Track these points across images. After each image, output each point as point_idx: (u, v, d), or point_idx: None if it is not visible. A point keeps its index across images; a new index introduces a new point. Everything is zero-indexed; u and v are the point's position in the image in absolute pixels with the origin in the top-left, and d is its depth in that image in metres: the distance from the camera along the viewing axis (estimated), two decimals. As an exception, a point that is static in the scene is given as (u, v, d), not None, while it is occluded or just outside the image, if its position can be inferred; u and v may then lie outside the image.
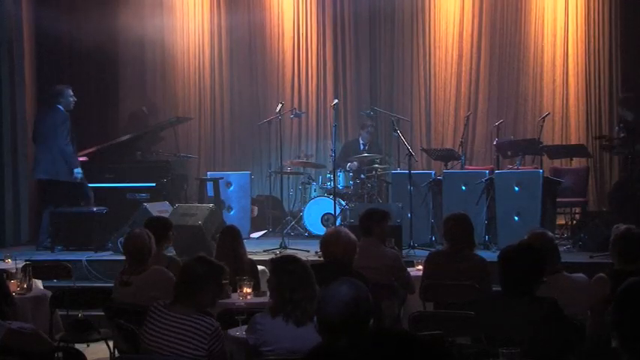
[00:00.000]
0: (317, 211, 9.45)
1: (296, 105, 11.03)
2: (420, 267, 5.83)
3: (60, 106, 8.49)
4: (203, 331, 3.53)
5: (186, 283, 3.68)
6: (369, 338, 2.63)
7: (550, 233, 4.75)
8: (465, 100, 11.01)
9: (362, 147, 10.03)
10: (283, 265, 3.85)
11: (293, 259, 3.92)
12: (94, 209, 8.22)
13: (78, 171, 8.43)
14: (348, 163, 9.79)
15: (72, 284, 6.35)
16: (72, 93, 8.62)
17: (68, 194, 8.57)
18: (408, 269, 5.92)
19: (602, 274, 4.46)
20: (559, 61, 10.72)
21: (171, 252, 7.17)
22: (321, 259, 5.18)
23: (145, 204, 8.23)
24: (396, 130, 8.82)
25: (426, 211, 8.72)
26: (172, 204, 8.47)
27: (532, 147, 8.84)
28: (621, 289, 2.64)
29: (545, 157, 9.43)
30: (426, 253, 6.10)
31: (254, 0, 11.29)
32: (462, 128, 10.02)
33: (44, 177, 8.54)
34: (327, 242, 4.91)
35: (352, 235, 4.95)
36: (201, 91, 11.43)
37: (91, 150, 9.22)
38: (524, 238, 4.49)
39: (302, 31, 11.30)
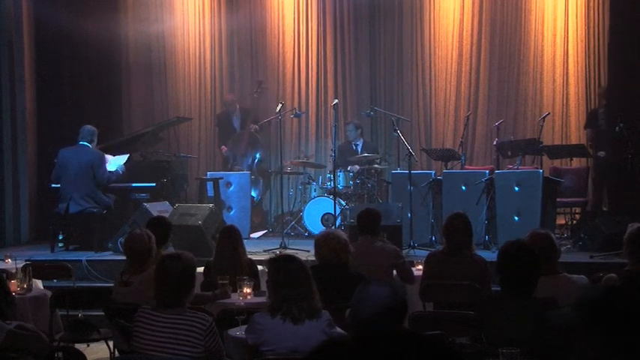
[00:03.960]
0: (317, 211, 9.45)
1: (296, 105, 11.03)
2: (420, 267, 5.84)
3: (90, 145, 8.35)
4: (199, 327, 3.54)
5: (170, 284, 3.66)
6: (379, 337, 2.64)
7: (551, 234, 4.74)
8: (465, 100, 11.01)
9: (354, 147, 10.05)
10: (279, 264, 3.89)
11: (289, 258, 3.96)
12: (94, 210, 8.21)
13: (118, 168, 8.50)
14: (349, 166, 9.80)
15: (72, 284, 6.36)
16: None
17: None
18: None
19: (612, 274, 4.44)
20: (559, 61, 10.72)
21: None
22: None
23: (145, 204, 8.23)
24: (396, 130, 8.82)
25: (426, 211, 8.72)
26: (172, 204, 8.47)
27: (532, 147, 8.83)
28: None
29: (545, 157, 9.42)
30: (426, 253, 6.11)
31: (254, 0, 11.29)
32: (462, 128, 10.02)
33: (75, 210, 8.25)
34: (317, 245, 4.99)
35: (343, 235, 4.99)
36: (201, 91, 11.43)
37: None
38: (524, 238, 4.48)
39: (302, 31, 11.30)
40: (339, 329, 3.82)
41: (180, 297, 3.65)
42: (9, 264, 6.05)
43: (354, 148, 10.05)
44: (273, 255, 6.84)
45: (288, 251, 7.79)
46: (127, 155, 8.76)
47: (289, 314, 3.69)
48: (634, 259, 4.43)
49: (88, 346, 5.60)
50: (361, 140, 10.14)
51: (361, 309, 2.76)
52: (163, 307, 3.63)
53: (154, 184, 8.93)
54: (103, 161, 8.34)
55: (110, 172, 8.47)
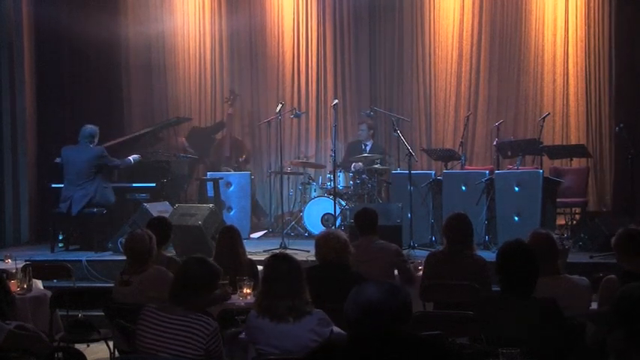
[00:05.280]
0: (317, 211, 9.45)
1: (296, 105, 11.03)
2: (420, 267, 5.84)
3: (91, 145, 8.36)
4: (202, 331, 3.52)
5: (186, 286, 3.64)
6: (374, 337, 2.64)
7: (552, 234, 4.73)
8: (465, 100, 11.01)
9: (363, 147, 10.05)
10: (270, 261, 3.92)
11: (281, 256, 3.97)
12: (94, 210, 8.21)
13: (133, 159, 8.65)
14: (353, 164, 9.80)
15: (72, 284, 6.36)
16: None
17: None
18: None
19: (612, 276, 4.47)
20: (559, 61, 10.72)
21: (171, 252, 7.18)
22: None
23: (145, 204, 8.23)
24: (396, 130, 8.81)
25: (426, 211, 8.71)
26: (172, 204, 8.47)
27: (532, 147, 8.83)
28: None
29: (545, 157, 9.42)
30: (426, 253, 6.11)
31: (254, 0, 11.29)
32: (462, 128, 10.02)
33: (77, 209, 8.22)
34: (317, 245, 4.99)
35: (343, 235, 4.99)
36: (201, 91, 11.44)
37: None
38: (524, 238, 4.47)
39: (302, 31, 11.31)
40: (337, 328, 3.82)
41: (190, 300, 3.61)
42: (9, 264, 6.05)
43: (363, 147, 10.06)
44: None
45: (288, 251, 7.79)
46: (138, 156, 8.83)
47: (275, 311, 3.70)
48: (627, 261, 4.47)
49: (88, 346, 5.60)
50: (371, 141, 10.14)
51: (349, 308, 2.76)
52: (171, 306, 3.61)
53: (154, 184, 8.93)
54: (105, 153, 8.35)
55: (122, 160, 8.52)
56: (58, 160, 8.53)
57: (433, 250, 6.86)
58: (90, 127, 8.38)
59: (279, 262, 3.87)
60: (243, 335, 3.98)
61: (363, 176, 9.55)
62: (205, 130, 11.01)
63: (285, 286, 3.74)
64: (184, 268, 3.74)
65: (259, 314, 3.76)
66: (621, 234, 4.54)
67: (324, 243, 4.93)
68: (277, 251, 7.80)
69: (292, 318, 3.69)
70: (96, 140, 8.39)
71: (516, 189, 8.06)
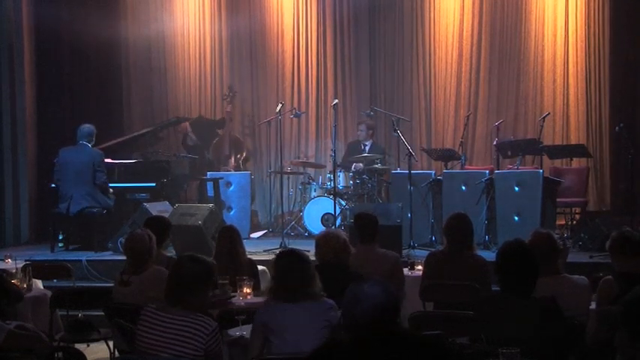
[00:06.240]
0: (317, 211, 9.45)
1: (296, 105, 11.03)
2: (420, 267, 5.83)
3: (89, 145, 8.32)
4: (201, 330, 3.52)
5: (180, 284, 3.63)
6: (377, 338, 2.65)
7: (553, 234, 4.74)
8: (465, 100, 11.00)
9: (362, 147, 10.06)
10: (277, 259, 3.99)
11: (288, 252, 4.07)
12: (94, 210, 8.21)
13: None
14: (354, 164, 9.80)
15: (72, 284, 6.36)
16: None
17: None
18: (408, 270, 5.96)
19: (609, 277, 4.49)
20: (559, 61, 10.72)
21: (171, 252, 7.18)
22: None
23: (145, 204, 8.22)
24: (396, 130, 8.81)
25: (426, 211, 8.72)
26: (172, 204, 8.46)
27: (532, 147, 8.84)
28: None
29: (545, 157, 9.42)
30: (426, 253, 6.09)
31: (254, 0, 11.29)
32: (462, 128, 10.02)
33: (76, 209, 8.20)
34: (317, 245, 4.99)
35: (342, 235, 4.98)
36: (201, 92, 11.44)
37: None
38: (524, 238, 4.48)
39: (302, 31, 11.31)
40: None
41: (188, 299, 3.61)
42: (9, 264, 6.05)
43: (363, 147, 10.06)
44: (274, 255, 6.90)
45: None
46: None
47: (287, 296, 3.78)
48: (623, 261, 4.49)
49: (88, 346, 5.60)
50: (370, 141, 10.13)
51: (356, 310, 2.76)
52: (169, 306, 3.61)
53: (154, 184, 8.92)
54: (103, 162, 8.34)
55: (106, 179, 8.45)
56: (55, 160, 8.51)
57: (433, 250, 6.85)
58: (87, 127, 8.36)
59: (285, 257, 3.93)
60: (244, 334, 3.99)
61: (364, 176, 9.54)
62: (210, 123, 10.97)
63: (295, 276, 3.80)
64: (177, 267, 3.73)
65: (273, 300, 3.83)
66: (616, 237, 4.57)
67: (324, 243, 4.92)
68: (278, 252, 7.82)
69: (303, 299, 3.77)
70: (93, 139, 8.38)
71: (516, 189, 8.06)
